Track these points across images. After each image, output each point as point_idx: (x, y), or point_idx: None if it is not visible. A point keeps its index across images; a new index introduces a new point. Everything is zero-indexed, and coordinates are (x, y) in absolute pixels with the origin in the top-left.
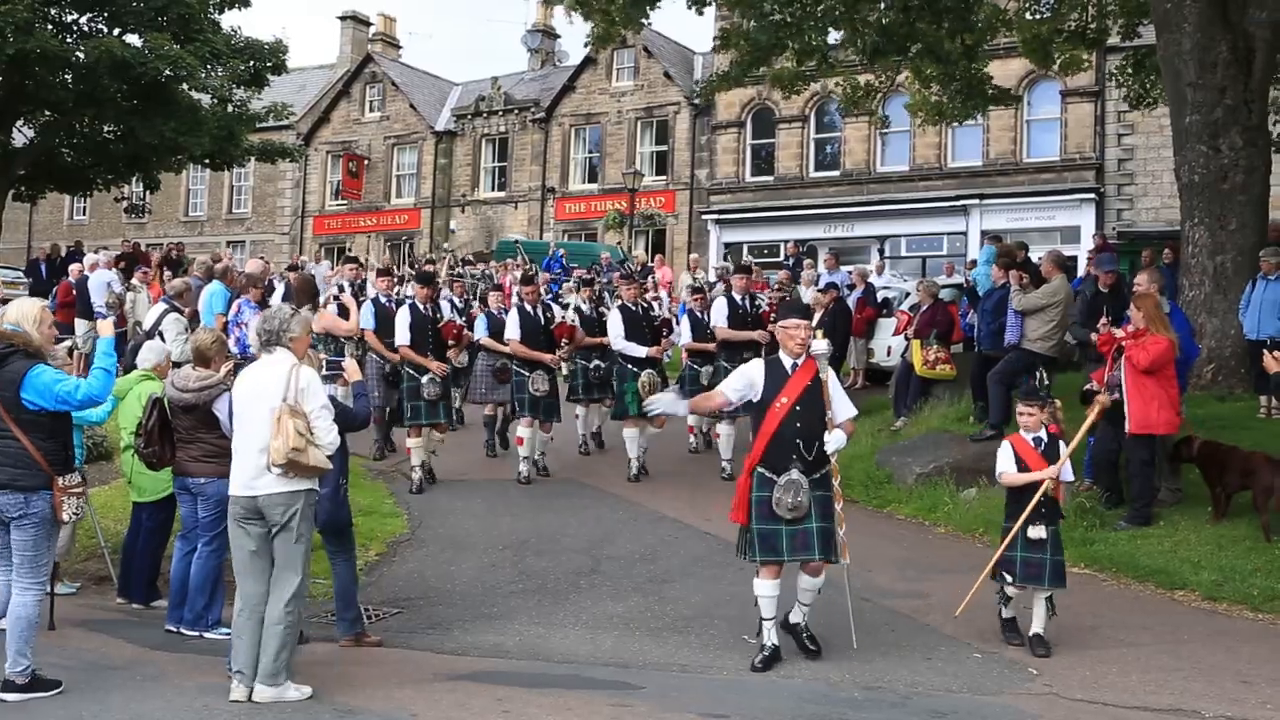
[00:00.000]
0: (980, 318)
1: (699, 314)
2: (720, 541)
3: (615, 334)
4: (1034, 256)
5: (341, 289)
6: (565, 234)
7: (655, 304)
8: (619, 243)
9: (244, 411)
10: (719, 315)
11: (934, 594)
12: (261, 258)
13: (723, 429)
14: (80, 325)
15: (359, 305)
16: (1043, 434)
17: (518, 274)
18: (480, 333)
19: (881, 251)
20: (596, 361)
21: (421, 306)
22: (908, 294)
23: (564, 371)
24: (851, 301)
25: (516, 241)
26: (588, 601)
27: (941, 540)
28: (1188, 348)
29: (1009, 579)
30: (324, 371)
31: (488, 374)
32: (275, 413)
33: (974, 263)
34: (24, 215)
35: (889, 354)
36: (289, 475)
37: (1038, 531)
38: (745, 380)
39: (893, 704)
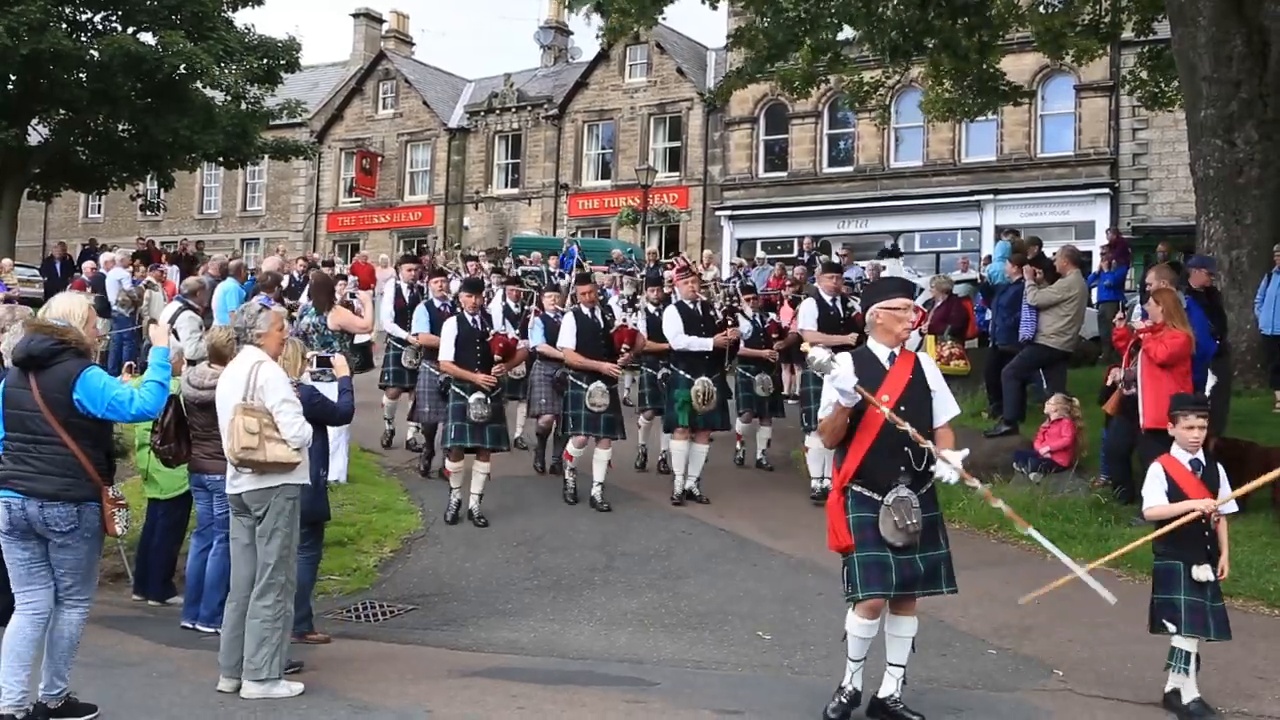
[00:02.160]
0: (995, 313)
1: (750, 314)
2: (735, 538)
3: (674, 331)
4: (1048, 251)
5: (354, 295)
6: (579, 230)
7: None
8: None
9: (220, 412)
10: (808, 317)
11: None
12: (279, 251)
13: (811, 443)
14: (99, 324)
15: (413, 308)
16: (1200, 455)
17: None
18: (536, 339)
19: (896, 247)
20: (664, 370)
21: (470, 318)
22: (922, 289)
23: (626, 383)
24: None
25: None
26: (602, 598)
27: (956, 536)
28: (1205, 344)
29: (1172, 629)
30: (313, 369)
31: (547, 384)
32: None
33: (989, 258)
34: (39, 214)
35: None
36: (261, 472)
37: (1204, 573)
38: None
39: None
